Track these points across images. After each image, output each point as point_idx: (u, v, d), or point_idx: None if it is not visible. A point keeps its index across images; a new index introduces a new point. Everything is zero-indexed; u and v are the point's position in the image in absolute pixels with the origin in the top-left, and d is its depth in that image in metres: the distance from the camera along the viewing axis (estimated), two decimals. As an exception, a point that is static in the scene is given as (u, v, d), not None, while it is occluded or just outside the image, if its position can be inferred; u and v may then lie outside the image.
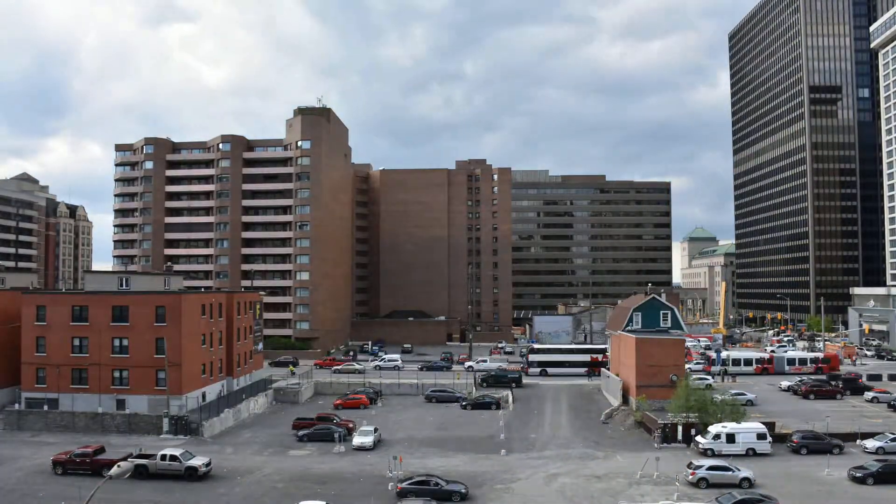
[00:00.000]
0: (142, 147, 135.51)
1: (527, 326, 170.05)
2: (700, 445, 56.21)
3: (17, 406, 69.40)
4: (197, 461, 50.54)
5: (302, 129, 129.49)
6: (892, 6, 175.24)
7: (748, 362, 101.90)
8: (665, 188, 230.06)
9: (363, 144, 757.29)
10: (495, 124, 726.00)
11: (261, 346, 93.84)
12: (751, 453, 54.91)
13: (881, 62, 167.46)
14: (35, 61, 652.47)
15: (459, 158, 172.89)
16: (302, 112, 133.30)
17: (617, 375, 79.35)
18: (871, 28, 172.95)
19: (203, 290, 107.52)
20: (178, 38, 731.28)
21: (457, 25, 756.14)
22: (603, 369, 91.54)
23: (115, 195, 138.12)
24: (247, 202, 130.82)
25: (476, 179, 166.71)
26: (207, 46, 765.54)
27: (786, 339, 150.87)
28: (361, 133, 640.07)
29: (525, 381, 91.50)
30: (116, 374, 68.60)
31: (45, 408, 67.92)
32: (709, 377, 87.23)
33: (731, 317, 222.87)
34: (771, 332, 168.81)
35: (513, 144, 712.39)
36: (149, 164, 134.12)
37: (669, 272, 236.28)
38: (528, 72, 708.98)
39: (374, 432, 61.09)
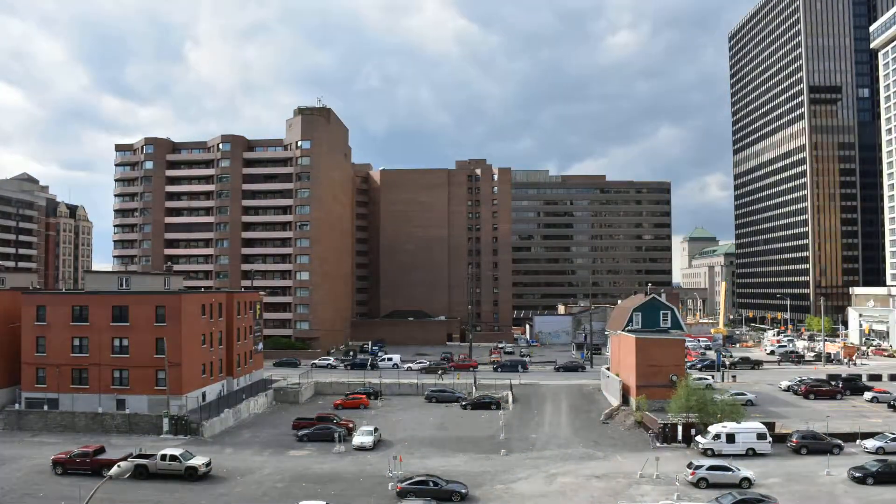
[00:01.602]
0: (142, 147, 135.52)
1: (527, 326, 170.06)
2: (700, 445, 56.22)
3: (17, 406, 69.50)
4: (197, 461, 50.58)
5: (302, 129, 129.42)
6: (892, 6, 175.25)
7: None
8: (665, 188, 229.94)
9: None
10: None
11: (261, 346, 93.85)
12: (751, 453, 54.93)
13: (881, 62, 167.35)
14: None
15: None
16: (302, 112, 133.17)
17: (617, 375, 79.30)
18: (871, 28, 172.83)
19: (203, 290, 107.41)
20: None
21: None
22: (603, 368, 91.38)
23: (115, 195, 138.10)
24: (247, 202, 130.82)
25: (476, 179, 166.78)
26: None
27: (786, 338, 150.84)
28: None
29: (524, 380, 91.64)
30: (116, 374, 68.64)
31: (45, 408, 68.02)
32: (709, 377, 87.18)
33: (731, 317, 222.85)
34: (771, 332, 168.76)
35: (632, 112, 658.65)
36: (149, 164, 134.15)
37: (669, 272, 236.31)
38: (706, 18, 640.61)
39: (375, 432, 61.16)
